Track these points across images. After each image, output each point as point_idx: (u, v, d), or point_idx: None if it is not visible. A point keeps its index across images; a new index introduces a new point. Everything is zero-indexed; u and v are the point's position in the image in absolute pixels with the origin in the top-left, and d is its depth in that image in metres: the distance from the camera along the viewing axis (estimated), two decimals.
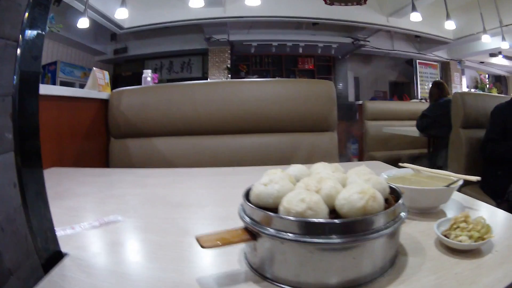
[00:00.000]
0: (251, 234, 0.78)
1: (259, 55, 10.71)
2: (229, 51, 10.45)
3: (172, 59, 11.38)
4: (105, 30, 10.08)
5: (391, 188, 0.94)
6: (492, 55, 10.61)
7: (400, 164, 1.44)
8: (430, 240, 0.98)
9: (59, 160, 2.06)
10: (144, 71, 3.35)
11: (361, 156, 6.53)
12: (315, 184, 0.81)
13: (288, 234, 0.72)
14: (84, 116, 2.45)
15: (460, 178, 1.23)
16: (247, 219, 0.80)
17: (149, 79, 3.33)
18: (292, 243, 0.72)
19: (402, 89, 10.77)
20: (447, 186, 1.18)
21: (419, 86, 10.47)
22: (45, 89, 1.94)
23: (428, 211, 1.21)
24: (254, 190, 0.83)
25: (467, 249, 0.90)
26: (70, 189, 1.53)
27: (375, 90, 10.83)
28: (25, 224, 0.77)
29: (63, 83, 8.94)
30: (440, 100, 4.69)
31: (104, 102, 2.55)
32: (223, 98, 2.50)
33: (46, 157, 1.85)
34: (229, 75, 10.12)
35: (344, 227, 0.72)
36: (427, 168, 1.37)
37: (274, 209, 0.77)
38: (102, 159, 2.56)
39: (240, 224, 0.82)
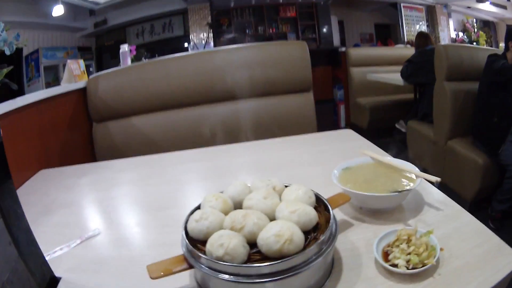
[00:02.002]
0: (189, 263, 0.83)
1: (239, 7, 10.46)
2: (209, 8, 10.27)
3: (153, 22, 11.23)
4: (83, 8, 9.93)
5: (326, 207, 0.94)
6: (479, 0, 10.32)
7: (361, 151, 1.37)
8: (371, 253, 0.93)
9: (46, 161, 2.06)
10: (121, 46, 3.35)
11: (347, 103, 6.42)
12: (240, 221, 0.84)
13: (212, 271, 0.78)
14: (66, 110, 2.44)
15: (420, 176, 1.16)
16: (184, 249, 0.85)
17: (126, 50, 3.35)
18: (216, 279, 0.78)
19: (389, 31, 10.57)
20: (400, 191, 1.10)
21: (405, 29, 10.25)
22: (22, 100, 1.95)
23: (381, 211, 1.15)
24: (188, 225, 0.88)
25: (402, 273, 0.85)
26: (56, 199, 1.55)
27: (360, 33, 10.62)
28: (25, 269, 0.88)
29: (47, 68, 8.96)
30: (426, 48, 4.58)
31: (83, 90, 2.57)
32: (196, 69, 2.50)
33: (33, 161, 1.90)
34: (211, 31, 9.95)
35: (257, 270, 0.76)
36: (388, 158, 1.31)
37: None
38: (88, 146, 2.57)
39: None
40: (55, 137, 2.25)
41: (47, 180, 1.80)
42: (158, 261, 0.85)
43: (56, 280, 0.97)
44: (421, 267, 0.84)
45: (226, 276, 0.76)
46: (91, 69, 8.98)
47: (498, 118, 3.08)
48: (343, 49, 6.46)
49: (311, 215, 0.87)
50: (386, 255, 0.90)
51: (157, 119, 2.49)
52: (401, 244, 0.89)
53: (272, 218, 0.88)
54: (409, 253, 0.86)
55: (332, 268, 0.91)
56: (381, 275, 0.87)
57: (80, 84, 2.58)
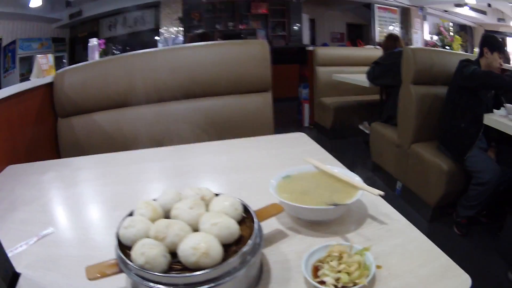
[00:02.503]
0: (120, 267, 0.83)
1: (211, 2, 10.39)
2: (181, 2, 10.20)
3: (126, 15, 11.17)
4: None
5: (251, 218, 0.92)
6: (458, 5, 10.35)
7: (304, 159, 1.30)
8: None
9: (14, 156, 2.05)
10: (90, 40, 3.37)
11: (311, 102, 6.40)
12: (163, 231, 0.84)
13: (138, 277, 0.78)
14: (33, 105, 2.42)
15: (362, 189, 1.10)
16: (116, 255, 0.85)
17: (95, 44, 3.38)
18: (142, 285, 0.78)
19: (361, 31, 10.59)
20: (336, 205, 1.04)
21: (377, 30, 10.25)
22: None
23: (319, 223, 1.09)
24: (119, 231, 0.88)
25: None
26: (20, 196, 1.54)
27: (331, 32, 10.64)
28: None
29: (22, 59, 8.95)
30: (394, 50, 4.55)
31: (50, 85, 2.53)
32: (159, 66, 2.48)
33: (1, 156, 1.90)
34: (181, 25, 9.87)
35: (173, 280, 0.77)
36: (331, 167, 1.25)
37: None
38: (54, 142, 2.53)
39: None
40: (22, 132, 2.24)
41: (14, 176, 1.78)
42: (96, 263, 0.85)
43: (17, 276, 0.99)
44: (352, 286, 0.79)
45: (151, 284, 0.77)
46: (64, 60, 8.94)
47: (466, 124, 3.07)
48: (312, 47, 6.40)
49: (231, 229, 0.86)
50: (316, 270, 0.85)
51: (120, 116, 2.46)
52: (332, 261, 0.84)
53: (196, 229, 0.87)
54: (339, 271, 0.81)
55: (260, 281, 0.88)
56: None
57: (47, 79, 2.55)
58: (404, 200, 3.60)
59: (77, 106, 2.46)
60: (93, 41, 3.34)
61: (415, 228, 1.05)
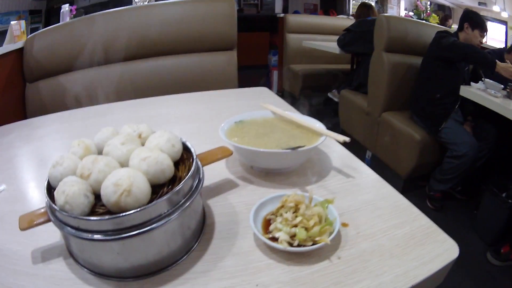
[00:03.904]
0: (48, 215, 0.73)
1: None
2: None
3: None
4: None
5: (189, 153, 0.82)
6: None
7: (261, 104, 1.15)
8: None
9: None
10: (62, 6, 3.34)
11: (280, 69, 6.26)
12: (88, 167, 0.73)
13: (60, 223, 0.68)
14: (2, 71, 2.39)
15: (326, 134, 0.95)
16: (45, 200, 0.74)
17: (67, 10, 3.34)
18: (64, 232, 0.69)
19: (334, 3, 10.46)
20: (294, 148, 0.88)
21: (351, 2, 10.16)
22: None
23: (275, 172, 0.95)
24: (48, 171, 0.77)
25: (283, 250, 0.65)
26: None
27: (305, 3, 10.50)
28: None
29: (1, 33, 8.57)
30: (367, 18, 4.42)
31: (20, 51, 2.49)
32: (127, 25, 2.44)
33: None
34: None
35: (93, 225, 0.65)
36: (291, 113, 1.10)
37: None
38: (20, 108, 2.50)
39: None
40: None
41: None
42: (29, 212, 0.76)
43: None
44: (311, 245, 0.65)
45: (68, 229, 0.67)
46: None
47: (442, 95, 2.97)
48: (282, 15, 6.27)
49: (163, 165, 0.73)
50: (268, 224, 0.71)
51: (85, 76, 2.41)
52: (286, 212, 0.69)
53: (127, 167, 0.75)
54: (295, 226, 0.67)
55: (200, 235, 0.76)
56: (259, 249, 0.69)
57: (18, 44, 2.50)
58: (373, 170, 3.42)
59: (45, 70, 2.40)
60: (65, 7, 3.30)
61: (388, 184, 0.91)
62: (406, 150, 3.12)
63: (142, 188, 0.67)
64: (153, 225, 0.66)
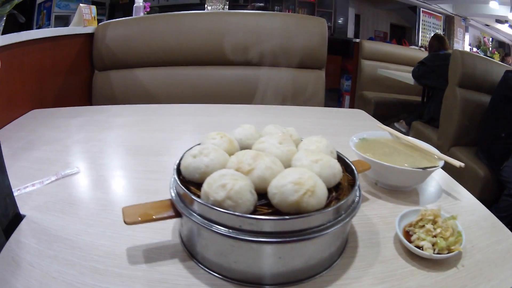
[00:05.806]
0: (176, 210, 0.68)
1: None
2: None
3: None
4: None
5: (347, 167, 0.81)
6: (499, 21, 10.16)
7: (378, 125, 1.26)
8: (389, 232, 0.84)
9: (40, 102, 1.97)
10: (136, 0, 3.24)
11: (352, 94, 6.31)
12: (248, 162, 0.67)
13: (205, 221, 0.62)
14: (69, 53, 2.36)
15: (442, 159, 1.03)
16: (173, 194, 0.70)
17: (140, 5, 3.24)
18: (210, 231, 0.62)
19: (403, 33, 10.45)
20: (424, 168, 0.97)
21: (420, 34, 10.11)
22: (26, 35, 1.83)
23: (398, 189, 1.04)
24: (183, 162, 0.73)
25: (428, 258, 0.74)
26: (42, 136, 1.44)
27: (375, 30, 10.51)
28: None
29: (58, 17, 8.74)
30: (439, 52, 4.46)
31: (90, 36, 2.46)
32: (209, 29, 2.39)
33: (27, 99, 1.81)
34: (227, 2, 9.76)
35: (265, 225, 0.60)
36: (406, 137, 1.18)
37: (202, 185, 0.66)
38: (86, 93, 2.49)
39: None
40: (53, 78, 2.16)
41: (37, 119, 1.70)
42: (137, 204, 0.71)
43: (20, 218, 0.85)
44: (447, 253, 0.73)
45: (222, 229, 0.60)
46: None
47: (506, 134, 2.98)
48: (358, 40, 6.31)
49: (335, 169, 0.71)
50: (407, 235, 0.80)
51: (160, 74, 2.40)
52: (427, 224, 0.78)
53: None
54: (435, 236, 0.75)
55: (346, 244, 0.79)
56: (401, 257, 0.76)
57: (88, 29, 2.49)
58: None
59: (117, 61, 2.41)
60: (139, 2, 3.24)
61: (485, 208, 1.01)
62: (469, 185, 3.11)
63: (323, 189, 0.64)
64: (330, 229, 0.63)
